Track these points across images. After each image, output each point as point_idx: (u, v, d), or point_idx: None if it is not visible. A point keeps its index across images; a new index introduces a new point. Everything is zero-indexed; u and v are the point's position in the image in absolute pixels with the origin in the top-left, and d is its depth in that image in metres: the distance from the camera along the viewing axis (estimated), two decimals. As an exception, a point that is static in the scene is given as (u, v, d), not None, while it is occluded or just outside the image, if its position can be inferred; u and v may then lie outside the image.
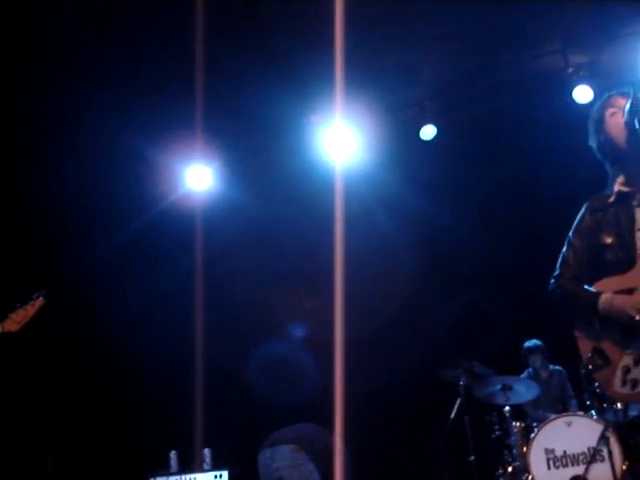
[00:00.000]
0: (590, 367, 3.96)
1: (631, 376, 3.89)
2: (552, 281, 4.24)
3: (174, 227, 8.28)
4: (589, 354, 3.97)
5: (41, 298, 4.93)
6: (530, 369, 7.95)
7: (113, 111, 7.49)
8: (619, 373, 3.93)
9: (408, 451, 7.94)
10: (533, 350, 7.90)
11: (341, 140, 7.85)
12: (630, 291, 3.93)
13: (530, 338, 7.97)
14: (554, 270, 4.22)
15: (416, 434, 7.85)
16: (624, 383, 3.91)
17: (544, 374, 7.89)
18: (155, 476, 7.28)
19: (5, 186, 7.95)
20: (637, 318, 3.84)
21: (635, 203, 4.06)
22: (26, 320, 4.92)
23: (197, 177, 8.28)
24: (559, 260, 4.24)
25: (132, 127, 7.60)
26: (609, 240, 4.06)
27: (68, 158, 7.80)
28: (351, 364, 6.90)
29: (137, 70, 7.25)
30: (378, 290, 8.25)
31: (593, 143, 4.21)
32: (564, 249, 4.24)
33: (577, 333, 4.12)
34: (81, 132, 7.66)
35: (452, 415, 6.99)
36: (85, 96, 7.24)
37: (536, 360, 7.88)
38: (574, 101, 7.63)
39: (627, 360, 3.93)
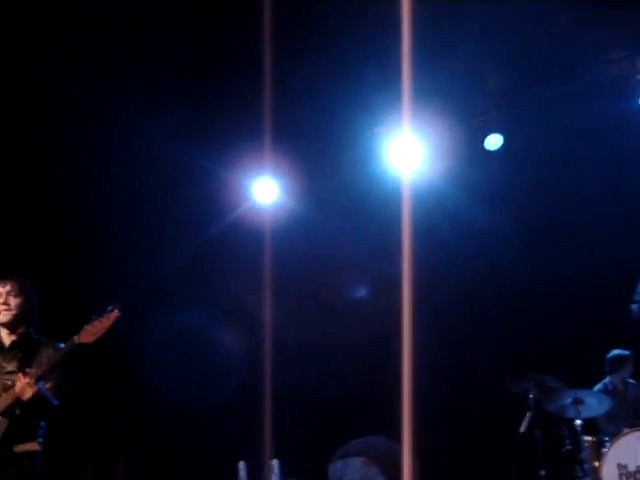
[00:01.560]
0: None
1: None
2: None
3: (242, 240, 8.35)
4: None
5: (116, 311, 4.95)
6: (607, 380, 7.77)
7: (183, 126, 7.62)
8: None
9: (478, 465, 7.86)
10: (628, 359, 7.71)
11: (407, 151, 7.82)
12: None
13: (612, 349, 7.81)
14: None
15: (486, 447, 7.77)
16: None
17: (620, 387, 7.73)
18: (225, 486, 7.39)
19: (73, 202, 8.14)
20: None
21: None
22: (102, 332, 4.93)
23: (264, 190, 8.35)
24: None
25: (201, 141, 7.72)
26: None
27: (139, 174, 7.95)
28: (420, 378, 6.87)
29: (206, 85, 7.36)
30: (445, 303, 8.20)
31: None
32: None
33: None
34: (153, 147, 7.80)
35: (522, 429, 6.91)
36: (156, 112, 7.38)
37: (628, 370, 7.69)
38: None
39: None
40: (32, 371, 4.97)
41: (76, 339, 4.95)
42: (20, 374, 4.99)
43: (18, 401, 4.95)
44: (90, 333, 4.91)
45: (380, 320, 7.84)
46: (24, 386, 4.92)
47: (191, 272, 8.48)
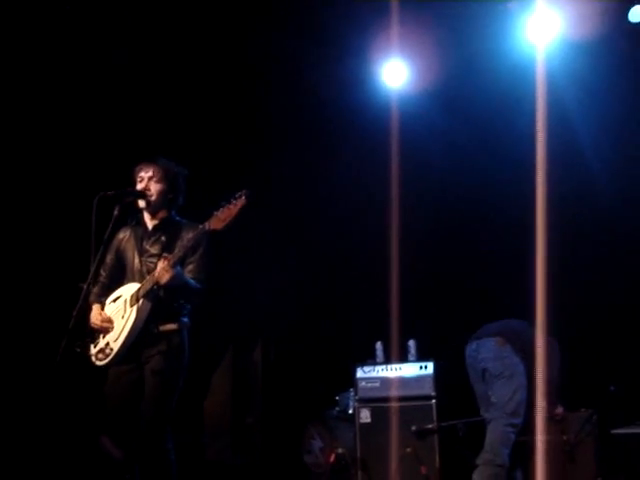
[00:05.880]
0: None
1: None
2: None
3: (369, 122, 8.22)
4: None
5: (244, 197, 4.94)
6: None
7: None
8: None
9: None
10: None
11: (542, 27, 7.41)
12: None
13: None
14: None
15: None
16: None
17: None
18: (362, 365, 7.60)
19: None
20: None
21: None
22: (230, 219, 4.94)
23: (393, 72, 8.16)
24: None
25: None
26: None
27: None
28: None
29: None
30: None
31: None
32: None
33: None
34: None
35: None
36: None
37: None
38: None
39: None
40: (170, 256, 5.13)
41: (206, 225, 5.02)
42: (161, 259, 5.16)
43: (158, 284, 5.13)
44: (219, 220, 4.95)
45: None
46: (162, 270, 5.08)
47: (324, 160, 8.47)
